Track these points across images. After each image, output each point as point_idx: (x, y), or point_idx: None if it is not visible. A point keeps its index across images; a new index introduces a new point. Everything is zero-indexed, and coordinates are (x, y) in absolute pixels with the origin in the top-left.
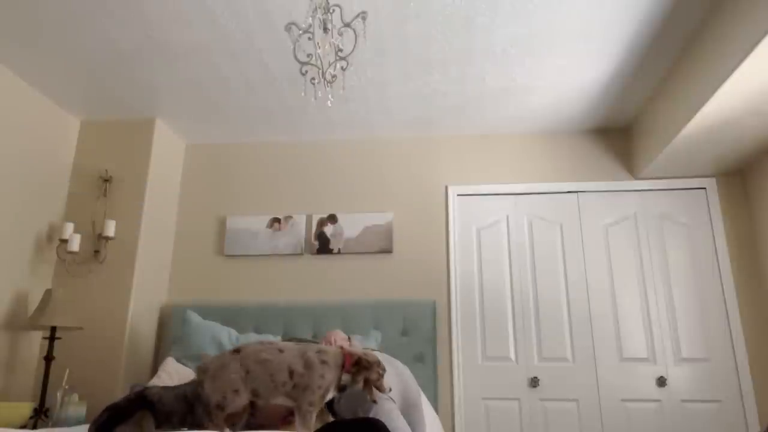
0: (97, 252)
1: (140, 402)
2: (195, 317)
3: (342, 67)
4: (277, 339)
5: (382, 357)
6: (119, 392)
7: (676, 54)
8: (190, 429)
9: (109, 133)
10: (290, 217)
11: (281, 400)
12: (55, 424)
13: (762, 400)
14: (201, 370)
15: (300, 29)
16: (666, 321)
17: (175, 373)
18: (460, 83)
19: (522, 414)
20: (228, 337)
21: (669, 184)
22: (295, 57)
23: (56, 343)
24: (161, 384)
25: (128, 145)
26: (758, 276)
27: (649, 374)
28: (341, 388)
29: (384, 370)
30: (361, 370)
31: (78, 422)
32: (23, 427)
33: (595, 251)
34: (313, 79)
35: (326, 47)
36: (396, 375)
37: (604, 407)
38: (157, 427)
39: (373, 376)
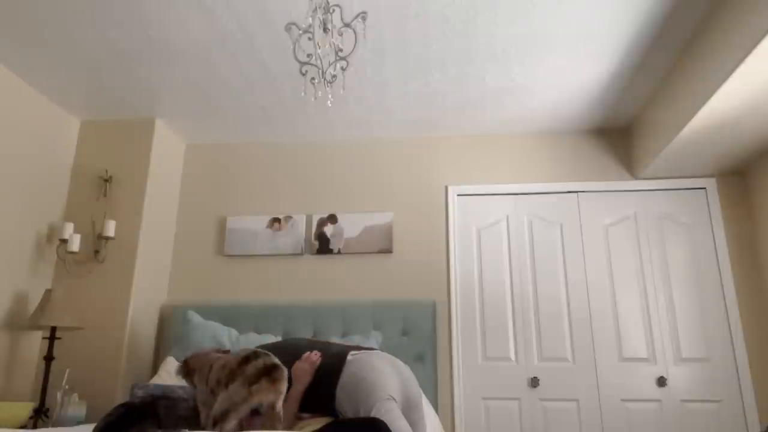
0: (97, 252)
1: (151, 406)
2: (196, 317)
3: (342, 67)
4: (277, 339)
5: (384, 356)
6: (119, 392)
7: (675, 54)
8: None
9: (109, 133)
10: (290, 217)
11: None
12: (55, 424)
13: (762, 400)
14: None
15: (300, 29)
16: (666, 321)
17: (175, 373)
18: (460, 83)
19: (522, 414)
20: (228, 337)
21: (669, 184)
22: (295, 57)
23: (56, 343)
24: (162, 383)
25: (128, 145)
26: (758, 276)
27: (649, 374)
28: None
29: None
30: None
31: (78, 422)
32: (23, 427)
33: (595, 251)
34: (313, 79)
35: (326, 47)
36: (397, 374)
37: (604, 407)
38: (160, 427)
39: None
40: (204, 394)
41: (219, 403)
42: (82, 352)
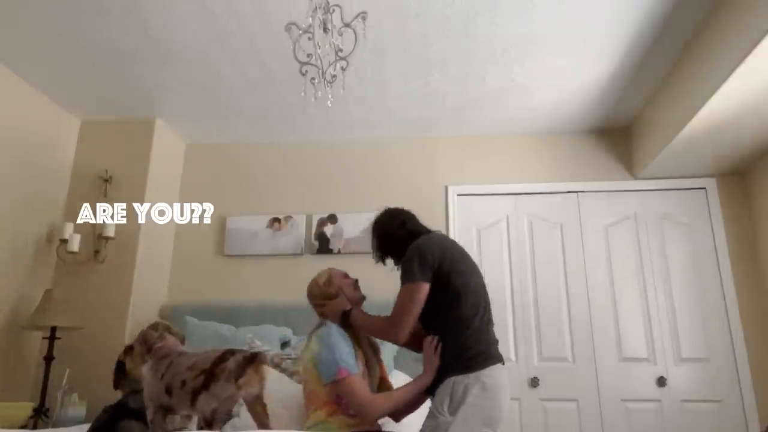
0: (97, 252)
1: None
2: (193, 321)
3: (342, 67)
4: (279, 329)
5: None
6: (119, 392)
7: (675, 54)
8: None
9: (109, 133)
10: (290, 217)
11: None
12: (55, 424)
13: (762, 400)
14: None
15: (300, 29)
16: (666, 321)
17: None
18: (460, 83)
19: (522, 414)
20: (228, 329)
21: (669, 184)
22: (295, 57)
23: (56, 343)
24: None
25: (128, 145)
26: (758, 276)
27: (649, 374)
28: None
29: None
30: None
31: (78, 422)
32: (23, 427)
33: (595, 251)
34: (313, 79)
35: (326, 47)
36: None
37: (604, 407)
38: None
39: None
40: (153, 388)
41: (203, 405)
42: (82, 352)
